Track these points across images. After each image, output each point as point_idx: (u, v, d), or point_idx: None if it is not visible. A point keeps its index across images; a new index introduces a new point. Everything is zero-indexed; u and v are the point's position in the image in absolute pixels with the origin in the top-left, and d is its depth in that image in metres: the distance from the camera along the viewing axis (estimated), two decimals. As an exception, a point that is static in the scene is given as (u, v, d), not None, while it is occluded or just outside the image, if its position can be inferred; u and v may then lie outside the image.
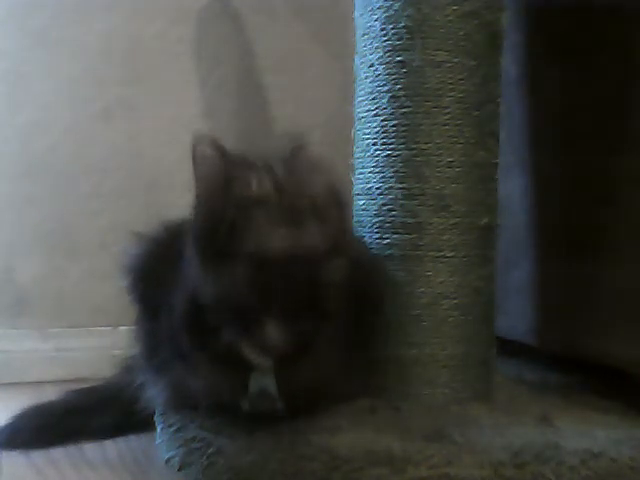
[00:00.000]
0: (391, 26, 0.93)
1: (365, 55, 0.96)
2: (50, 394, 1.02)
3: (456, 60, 0.92)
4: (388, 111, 0.94)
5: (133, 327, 0.93)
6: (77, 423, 0.96)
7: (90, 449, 0.93)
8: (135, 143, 1.33)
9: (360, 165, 0.98)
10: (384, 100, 0.94)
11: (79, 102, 1.30)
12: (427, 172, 0.92)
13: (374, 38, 0.94)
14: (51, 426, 0.96)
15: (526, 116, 1.13)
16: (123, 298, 1.30)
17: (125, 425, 0.97)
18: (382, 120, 0.94)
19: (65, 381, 1.18)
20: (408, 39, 0.92)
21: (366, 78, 0.96)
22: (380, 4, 0.94)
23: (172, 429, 0.86)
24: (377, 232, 0.95)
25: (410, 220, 0.93)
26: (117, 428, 0.97)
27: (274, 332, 0.75)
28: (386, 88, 0.94)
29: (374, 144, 0.95)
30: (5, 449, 0.92)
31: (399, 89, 0.93)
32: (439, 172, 0.92)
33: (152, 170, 1.34)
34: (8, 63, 1.27)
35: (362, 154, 0.97)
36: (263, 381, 0.81)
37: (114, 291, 1.30)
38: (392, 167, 0.93)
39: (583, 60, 1.04)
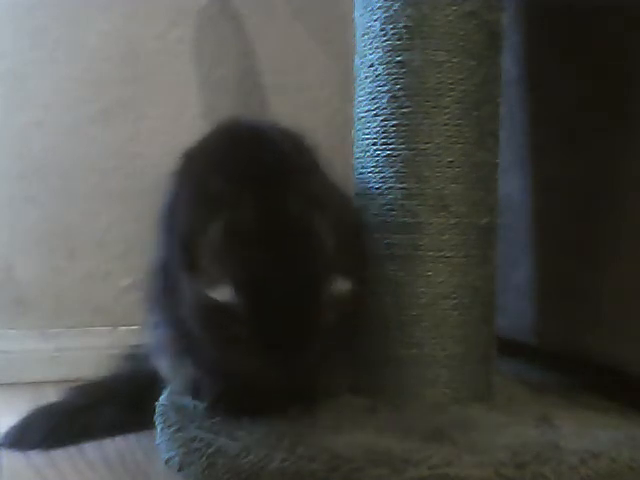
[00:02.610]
0: (391, 26, 0.93)
1: (365, 55, 0.96)
2: (50, 394, 1.01)
3: (456, 60, 0.92)
4: (388, 111, 0.94)
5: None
6: (86, 420, 0.96)
7: (90, 449, 0.93)
8: (135, 143, 1.33)
9: (360, 165, 0.98)
10: (384, 100, 0.94)
11: (79, 102, 1.30)
12: (427, 172, 0.92)
13: (374, 38, 0.94)
14: (61, 425, 0.95)
15: (526, 116, 1.13)
16: (123, 298, 1.31)
17: (135, 418, 0.97)
18: (382, 120, 0.94)
19: (65, 381, 1.18)
20: (408, 39, 0.92)
21: (366, 78, 0.96)
22: (380, 4, 0.94)
23: (172, 429, 0.86)
24: (377, 232, 0.95)
25: (410, 220, 0.93)
26: (128, 421, 0.97)
27: None
28: (386, 88, 0.94)
29: (374, 144, 0.95)
30: (14, 450, 0.92)
31: (399, 89, 0.93)
32: (439, 172, 0.92)
33: (152, 170, 1.34)
34: (8, 63, 1.27)
35: (362, 154, 0.97)
36: None
37: (114, 291, 1.31)
38: (392, 167, 0.93)
39: (583, 60, 1.04)
